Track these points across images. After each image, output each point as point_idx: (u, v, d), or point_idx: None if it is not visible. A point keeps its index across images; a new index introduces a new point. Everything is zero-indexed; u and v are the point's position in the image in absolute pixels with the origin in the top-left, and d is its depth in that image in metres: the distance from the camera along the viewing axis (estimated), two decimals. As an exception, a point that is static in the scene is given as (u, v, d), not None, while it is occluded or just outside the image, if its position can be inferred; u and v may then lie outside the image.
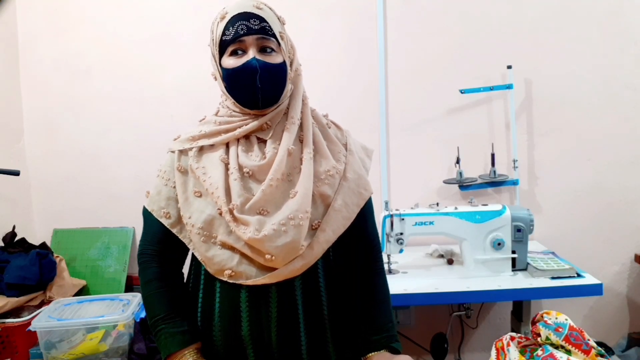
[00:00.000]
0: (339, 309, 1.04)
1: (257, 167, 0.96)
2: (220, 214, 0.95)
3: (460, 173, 2.10)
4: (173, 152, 1.04)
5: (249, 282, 0.95)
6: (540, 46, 2.14)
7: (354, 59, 2.19)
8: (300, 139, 1.01)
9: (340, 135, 1.08)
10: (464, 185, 2.12)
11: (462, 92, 2.09)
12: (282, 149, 0.97)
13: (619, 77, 2.14)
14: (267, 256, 0.92)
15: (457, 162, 2.10)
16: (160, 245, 1.03)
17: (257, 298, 0.96)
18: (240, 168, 0.97)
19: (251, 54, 0.94)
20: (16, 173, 1.76)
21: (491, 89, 2.09)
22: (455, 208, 1.81)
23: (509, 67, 2.10)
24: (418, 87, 2.19)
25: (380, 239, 1.16)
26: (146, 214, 1.05)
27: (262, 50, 0.95)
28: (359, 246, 1.07)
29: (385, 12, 2.15)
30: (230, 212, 0.94)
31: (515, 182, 2.12)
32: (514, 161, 2.12)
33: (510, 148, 2.17)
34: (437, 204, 1.86)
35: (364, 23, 2.17)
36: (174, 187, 1.01)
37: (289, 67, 0.99)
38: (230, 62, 0.96)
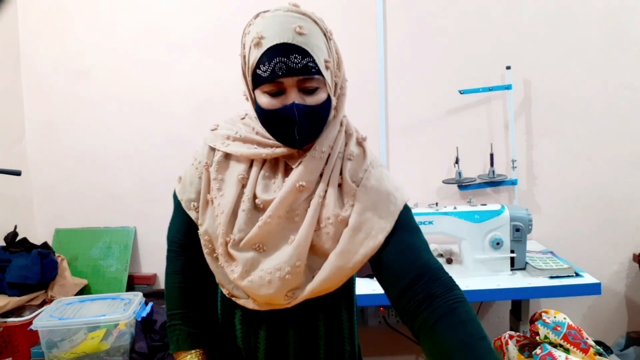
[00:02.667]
0: (338, 347, 0.98)
1: (267, 201, 0.88)
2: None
3: (460, 173, 2.11)
4: (206, 144, 0.97)
5: (241, 303, 0.93)
6: (540, 46, 2.15)
7: (354, 59, 2.19)
8: (320, 173, 0.89)
9: (358, 168, 0.91)
10: (463, 185, 2.13)
11: (461, 93, 2.10)
12: (288, 185, 0.87)
13: (619, 77, 2.14)
14: (249, 299, 0.91)
15: (456, 162, 2.10)
16: (189, 235, 1.00)
17: (249, 320, 0.95)
18: (254, 197, 0.89)
19: (290, 98, 0.82)
20: (17, 173, 1.76)
21: (490, 89, 2.09)
22: (455, 208, 1.82)
23: (508, 67, 2.10)
24: (418, 87, 2.19)
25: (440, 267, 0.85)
26: (176, 201, 1.00)
27: (304, 90, 0.83)
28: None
29: (385, 13, 2.16)
30: (225, 244, 0.89)
31: (514, 182, 2.13)
32: (513, 161, 2.13)
33: (509, 148, 2.18)
34: (437, 204, 1.87)
35: (364, 23, 2.17)
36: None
37: (333, 99, 0.88)
38: (265, 100, 0.83)
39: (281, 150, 0.88)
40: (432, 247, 2.06)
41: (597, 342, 1.29)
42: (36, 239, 2.13)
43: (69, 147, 2.27)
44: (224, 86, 2.08)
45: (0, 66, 2.18)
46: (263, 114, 0.85)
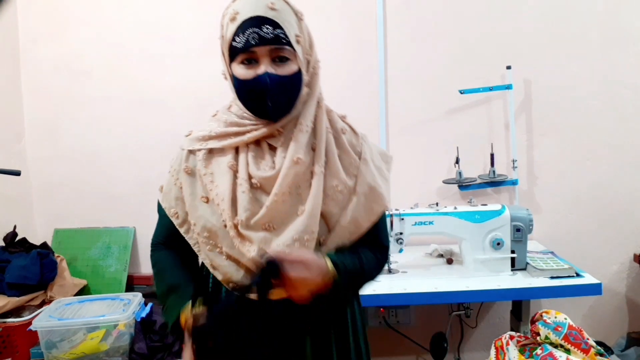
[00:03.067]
0: (344, 341, 1.00)
1: (264, 178, 0.92)
2: (225, 226, 0.92)
3: (460, 173, 2.11)
4: (183, 149, 1.00)
5: (253, 297, 0.91)
6: (540, 46, 2.15)
7: (355, 59, 2.20)
8: (312, 147, 0.95)
9: (355, 142, 1.00)
10: (464, 185, 2.13)
11: (461, 93, 2.09)
12: (287, 160, 0.91)
13: (619, 77, 2.14)
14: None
15: (457, 162, 2.10)
16: (172, 239, 1.02)
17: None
18: (249, 178, 0.92)
19: (262, 67, 0.88)
20: (17, 173, 1.76)
21: (491, 89, 2.09)
22: (455, 208, 1.82)
23: (509, 67, 2.10)
24: (418, 87, 2.19)
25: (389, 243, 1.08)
26: (159, 208, 1.04)
27: (276, 59, 0.89)
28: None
29: (385, 13, 2.16)
30: (235, 227, 0.91)
31: (514, 182, 2.13)
32: (513, 161, 2.13)
33: (509, 148, 2.17)
34: (437, 204, 1.86)
35: (364, 24, 2.17)
36: (181, 187, 0.98)
37: (304, 73, 0.93)
38: (240, 71, 0.90)
39: (261, 131, 0.93)
40: (432, 247, 2.07)
41: (598, 343, 1.29)
42: (35, 239, 2.13)
43: (69, 147, 2.27)
44: (224, 86, 2.07)
45: (0, 66, 2.18)
46: (238, 86, 0.92)
